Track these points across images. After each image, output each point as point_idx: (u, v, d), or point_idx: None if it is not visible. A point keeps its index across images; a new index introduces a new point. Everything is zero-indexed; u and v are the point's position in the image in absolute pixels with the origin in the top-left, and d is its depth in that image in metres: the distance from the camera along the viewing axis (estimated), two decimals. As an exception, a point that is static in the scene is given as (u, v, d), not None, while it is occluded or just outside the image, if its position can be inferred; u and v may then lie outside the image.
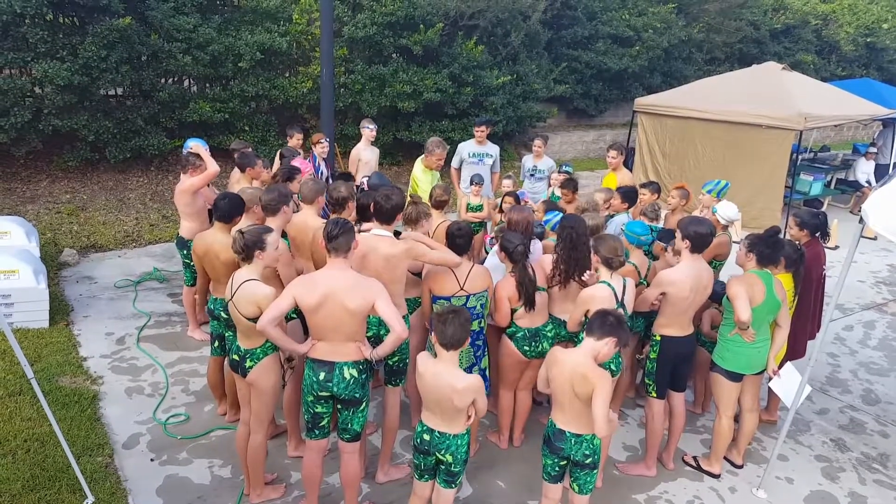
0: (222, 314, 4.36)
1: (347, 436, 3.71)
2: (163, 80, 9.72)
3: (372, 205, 4.11)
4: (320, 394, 3.57)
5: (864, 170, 12.35)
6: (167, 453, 4.47)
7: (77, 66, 8.35)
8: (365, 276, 3.58)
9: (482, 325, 4.33)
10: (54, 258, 7.40)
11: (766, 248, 4.22)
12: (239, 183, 5.84)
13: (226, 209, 4.48)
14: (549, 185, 7.27)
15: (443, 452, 3.37)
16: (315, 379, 3.55)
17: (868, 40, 19.29)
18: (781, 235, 4.42)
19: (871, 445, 5.10)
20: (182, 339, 6.00)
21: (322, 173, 7.28)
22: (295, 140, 7.22)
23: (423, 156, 6.76)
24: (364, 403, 3.67)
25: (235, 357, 3.83)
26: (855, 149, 13.80)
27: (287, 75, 10.77)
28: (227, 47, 9.54)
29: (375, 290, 3.47)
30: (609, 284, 4.00)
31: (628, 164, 12.63)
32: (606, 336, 3.30)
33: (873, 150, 12.56)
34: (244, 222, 4.50)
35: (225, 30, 9.78)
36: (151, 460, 4.39)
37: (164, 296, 6.88)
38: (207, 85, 10.31)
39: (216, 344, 4.62)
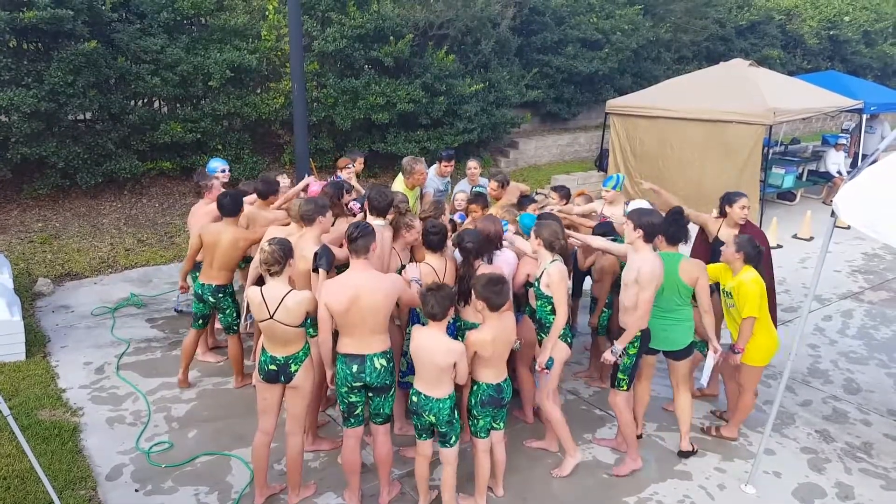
0: (209, 299, 5.28)
1: (380, 419, 4.03)
2: (132, 103, 9.62)
3: (367, 201, 4.68)
4: (354, 384, 3.88)
5: (834, 160, 12.55)
6: (152, 483, 4.39)
7: (43, 92, 8.23)
8: (384, 274, 4.02)
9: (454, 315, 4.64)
10: (28, 289, 7.27)
11: (670, 227, 4.52)
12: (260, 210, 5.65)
13: (230, 205, 5.16)
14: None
15: (427, 414, 3.83)
16: (349, 371, 3.85)
17: (831, 33, 19.65)
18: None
19: (854, 435, 5.16)
20: (162, 365, 5.92)
21: None
22: (355, 166, 6.95)
23: (400, 176, 6.37)
24: (393, 389, 4.01)
25: (273, 367, 3.91)
26: (824, 140, 14.04)
27: (258, 92, 10.72)
28: (195, 67, 9.47)
29: (397, 285, 3.94)
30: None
31: (602, 165, 12.76)
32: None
33: (843, 141, 12.79)
34: None
35: (193, 49, 9.71)
36: (136, 491, 4.31)
37: (142, 321, 6.78)
38: (178, 105, 10.22)
39: (199, 322, 5.45)
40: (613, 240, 5.29)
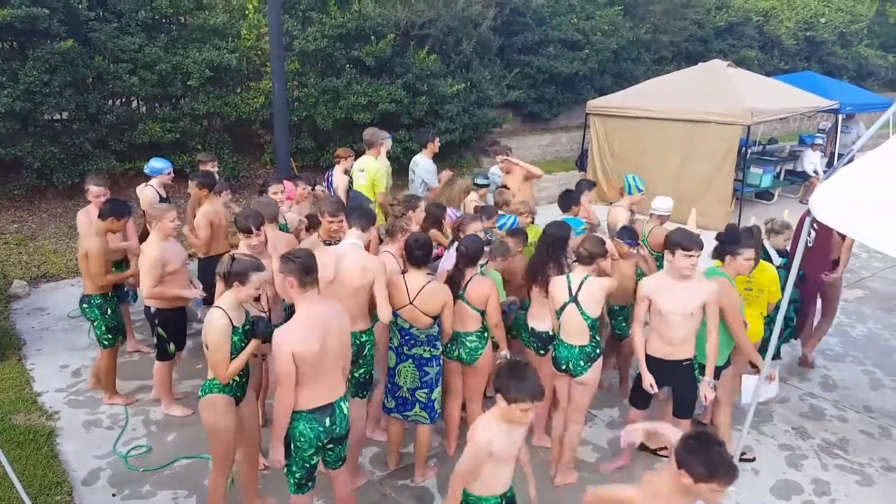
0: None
1: (340, 463, 3.67)
2: (110, 103, 9.49)
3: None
4: (324, 441, 3.43)
5: (811, 160, 12.73)
6: (129, 487, 4.34)
7: (18, 91, 8.09)
8: (336, 301, 3.57)
9: (436, 350, 4.20)
10: (3, 291, 7.16)
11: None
12: (211, 203, 5.73)
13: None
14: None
15: None
16: (321, 428, 3.37)
17: (807, 34, 19.91)
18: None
19: (830, 431, 5.23)
20: (140, 367, 5.84)
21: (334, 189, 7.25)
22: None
23: (367, 154, 7.03)
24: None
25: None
26: (801, 140, 14.22)
27: (238, 91, 10.62)
28: (174, 66, 9.37)
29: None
30: (567, 277, 4.15)
31: (583, 165, 12.83)
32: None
33: (819, 141, 12.96)
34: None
35: (172, 48, 9.60)
36: (113, 496, 4.27)
37: (120, 323, 6.69)
38: (156, 105, 10.11)
39: None
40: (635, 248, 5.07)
